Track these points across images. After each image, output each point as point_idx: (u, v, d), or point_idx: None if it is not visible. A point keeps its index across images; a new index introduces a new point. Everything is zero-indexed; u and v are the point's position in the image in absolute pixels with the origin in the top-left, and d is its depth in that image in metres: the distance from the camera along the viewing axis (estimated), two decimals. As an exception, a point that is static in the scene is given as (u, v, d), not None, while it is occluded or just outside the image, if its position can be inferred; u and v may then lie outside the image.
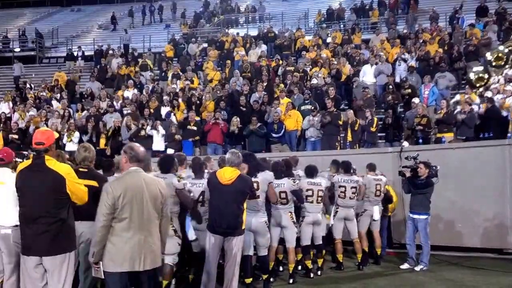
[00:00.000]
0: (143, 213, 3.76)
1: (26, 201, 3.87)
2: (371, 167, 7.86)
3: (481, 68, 11.79)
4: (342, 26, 20.02)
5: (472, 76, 11.46)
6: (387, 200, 8.23)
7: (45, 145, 3.89)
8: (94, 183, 4.54)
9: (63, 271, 3.85)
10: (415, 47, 14.63)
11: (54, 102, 15.07)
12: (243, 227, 5.26)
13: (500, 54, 11.10)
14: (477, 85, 11.37)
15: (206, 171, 6.26)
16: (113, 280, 3.72)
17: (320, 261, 7.11)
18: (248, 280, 5.75)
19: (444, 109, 10.59)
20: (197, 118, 12.31)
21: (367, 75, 13.48)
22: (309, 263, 6.90)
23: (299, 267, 7.08)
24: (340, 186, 7.32)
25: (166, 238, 4.12)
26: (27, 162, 4.01)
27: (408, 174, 7.50)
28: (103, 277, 3.77)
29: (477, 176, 8.42)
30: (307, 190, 6.74)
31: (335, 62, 14.46)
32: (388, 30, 18.12)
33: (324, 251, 7.26)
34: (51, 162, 3.89)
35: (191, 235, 5.78)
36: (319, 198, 6.82)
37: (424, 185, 7.28)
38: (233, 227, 5.15)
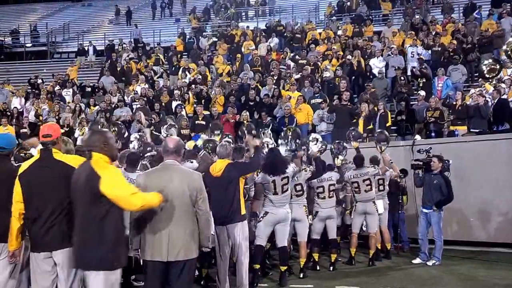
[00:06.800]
0: (168, 206, 3.80)
1: (35, 196, 3.83)
2: (374, 161, 7.64)
3: (492, 59, 11.64)
4: (349, 19, 19.77)
5: (483, 67, 11.32)
6: (401, 192, 8.17)
7: (52, 137, 3.87)
8: None
9: None
10: (428, 39, 14.42)
11: (66, 97, 15.16)
12: (242, 213, 5.30)
13: (517, 45, 10.95)
14: (489, 76, 11.22)
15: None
16: (148, 268, 3.88)
17: (333, 257, 7.06)
18: (256, 266, 5.84)
19: (458, 102, 10.44)
20: (206, 112, 12.27)
21: (376, 68, 13.35)
22: (316, 256, 6.92)
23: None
24: (352, 183, 7.27)
25: (208, 232, 4.04)
26: (36, 157, 3.99)
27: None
28: (141, 263, 3.92)
29: (490, 170, 8.31)
30: (318, 187, 6.72)
31: (342, 54, 14.30)
32: (405, 17, 17.90)
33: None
34: (59, 155, 3.87)
35: None
36: (331, 193, 6.82)
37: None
38: (230, 214, 5.21)
